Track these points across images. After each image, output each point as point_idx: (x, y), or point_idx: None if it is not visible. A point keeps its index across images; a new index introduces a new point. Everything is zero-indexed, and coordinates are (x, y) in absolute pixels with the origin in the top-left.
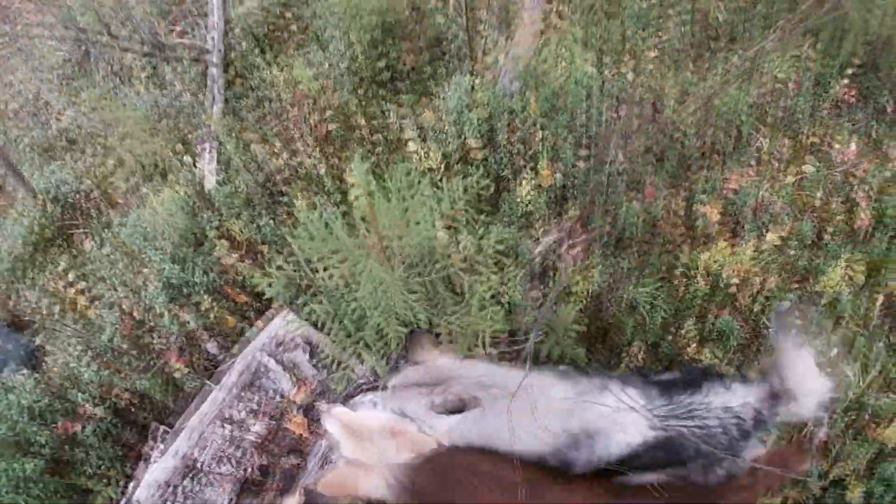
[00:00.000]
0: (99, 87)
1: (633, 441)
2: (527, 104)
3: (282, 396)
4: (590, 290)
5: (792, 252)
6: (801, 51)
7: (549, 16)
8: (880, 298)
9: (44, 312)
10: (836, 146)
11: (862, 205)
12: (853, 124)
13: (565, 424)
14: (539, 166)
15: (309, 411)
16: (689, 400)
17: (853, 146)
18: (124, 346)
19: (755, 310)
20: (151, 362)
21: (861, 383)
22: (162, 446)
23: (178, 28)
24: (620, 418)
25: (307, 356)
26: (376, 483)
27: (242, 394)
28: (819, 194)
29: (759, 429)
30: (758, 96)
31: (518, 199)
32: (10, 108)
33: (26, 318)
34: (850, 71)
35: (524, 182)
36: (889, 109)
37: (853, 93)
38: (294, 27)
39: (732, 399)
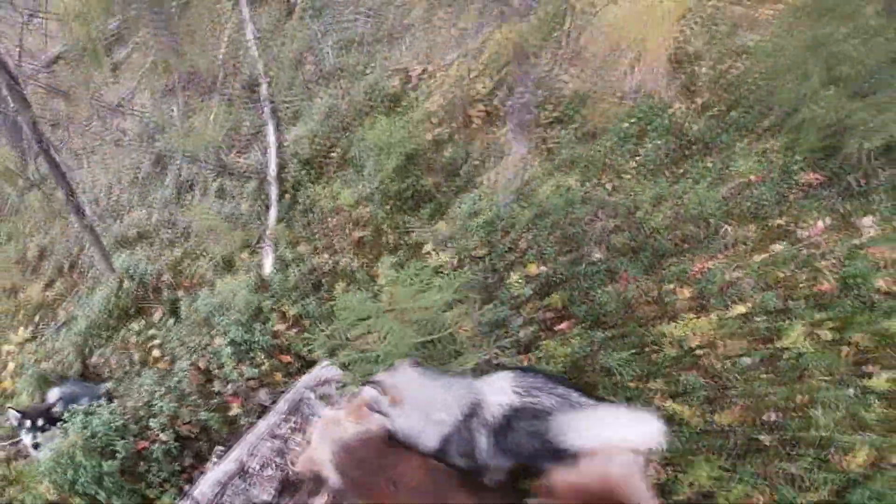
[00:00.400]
0: (168, 191)
1: (503, 401)
2: (517, 214)
3: (318, 418)
4: (568, 355)
5: (757, 319)
6: (766, 146)
7: (539, 144)
8: (845, 351)
9: (113, 365)
10: (804, 225)
11: (826, 273)
12: (820, 203)
13: (463, 401)
14: (526, 262)
15: None
16: (563, 389)
17: (820, 223)
18: (192, 388)
19: (719, 368)
20: (213, 402)
21: (829, 424)
22: (217, 460)
23: (236, 149)
24: (496, 384)
25: (339, 393)
26: (324, 457)
27: (287, 417)
28: (785, 269)
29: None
30: (726, 191)
31: (510, 287)
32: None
33: (96, 371)
34: (812, 158)
35: (514, 274)
36: (854, 185)
37: (818, 176)
38: (335, 154)
39: (624, 423)
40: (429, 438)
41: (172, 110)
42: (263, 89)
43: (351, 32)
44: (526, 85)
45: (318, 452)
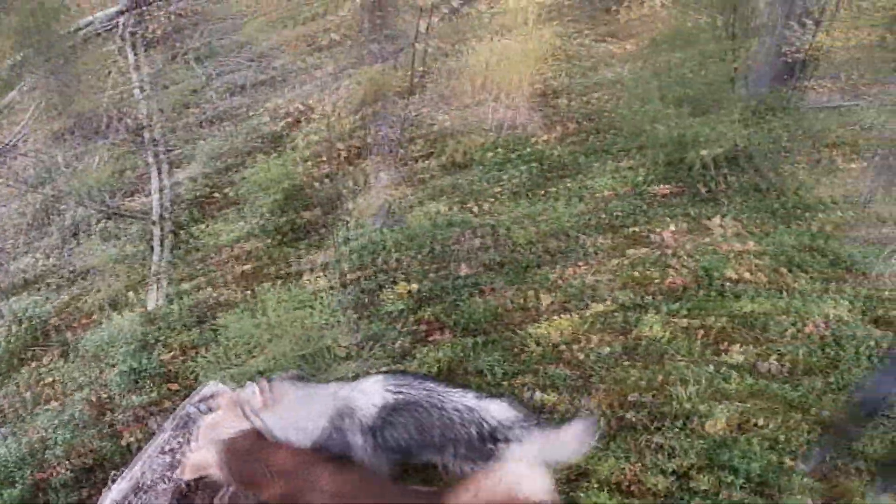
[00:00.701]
0: (54, 236)
1: (376, 401)
2: (386, 238)
3: (199, 426)
4: (440, 360)
5: (616, 315)
6: (619, 165)
7: (410, 175)
8: (700, 333)
9: (6, 409)
10: (657, 231)
11: (678, 269)
12: (672, 210)
13: (331, 407)
14: (398, 281)
15: None
16: (432, 384)
17: (672, 228)
18: (88, 419)
19: (582, 359)
20: (106, 431)
21: (688, 397)
22: (113, 484)
23: (123, 192)
24: (364, 388)
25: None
26: (210, 459)
27: (176, 433)
28: (640, 269)
29: (500, 439)
30: (584, 207)
31: (383, 305)
32: None
33: None
34: (662, 171)
35: (386, 292)
36: (703, 192)
37: (668, 187)
38: (218, 194)
39: (483, 406)
40: (299, 444)
41: (58, 155)
42: (149, 133)
43: (236, 77)
44: (386, 121)
45: (204, 456)
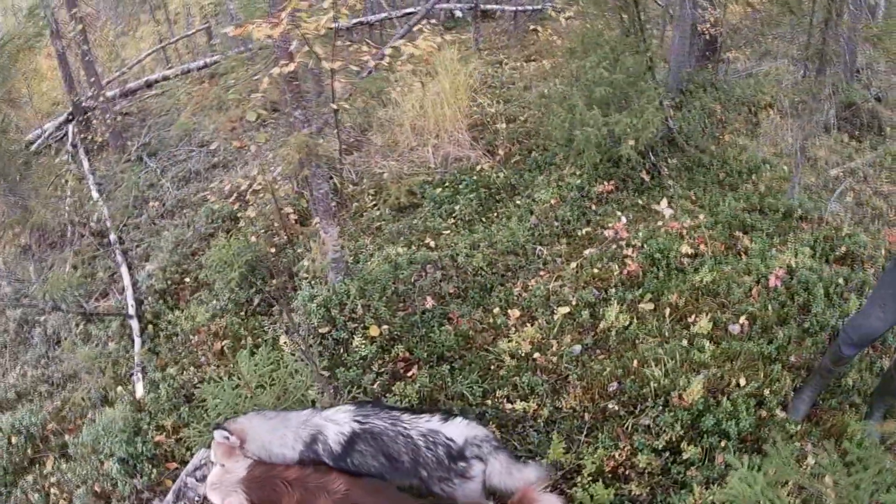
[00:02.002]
0: (37, 348)
1: (344, 430)
2: (348, 288)
3: (199, 497)
4: (417, 392)
5: (582, 314)
6: (560, 174)
7: (367, 225)
8: (666, 312)
9: None
10: (608, 227)
11: (633, 257)
12: (618, 205)
13: (302, 433)
14: (367, 325)
15: None
16: (396, 413)
17: (622, 221)
18: None
19: (556, 362)
20: None
21: (665, 373)
22: None
23: (96, 295)
24: (335, 418)
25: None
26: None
27: (175, 502)
28: (597, 266)
29: (469, 457)
30: (534, 220)
31: (356, 351)
32: None
33: None
34: (600, 171)
35: (356, 338)
36: (647, 179)
37: (611, 183)
38: (187, 279)
39: (445, 428)
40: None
41: (29, 269)
42: (112, 234)
43: (188, 165)
44: (320, 179)
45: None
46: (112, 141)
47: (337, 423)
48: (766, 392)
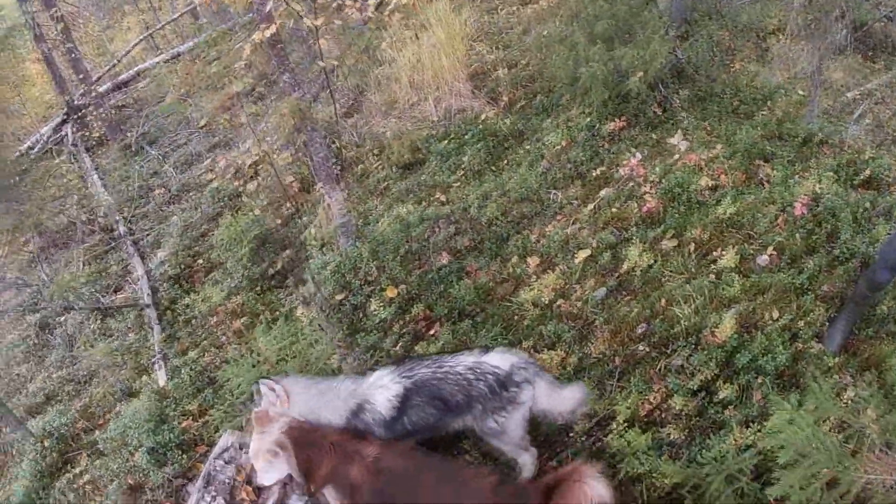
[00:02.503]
0: (59, 349)
1: (394, 393)
2: (360, 251)
3: (230, 479)
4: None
5: (603, 256)
6: (568, 115)
7: (374, 186)
8: (690, 248)
9: None
10: (623, 165)
11: (651, 194)
12: (631, 142)
13: (348, 404)
14: (384, 287)
15: (252, 482)
16: (437, 357)
17: (636, 158)
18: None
19: (580, 307)
20: None
21: (695, 311)
22: None
23: (111, 289)
24: (381, 383)
25: (241, 450)
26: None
27: (206, 488)
28: (615, 207)
29: (518, 381)
30: (546, 164)
31: (374, 315)
32: None
33: None
34: (609, 109)
35: (373, 302)
36: (659, 113)
37: (622, 120)
38: (199, 262)
39: (488, 359)
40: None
41: (41, 274)
42: (120, 227)
43: (188, 149)
44: (318, 142)
45: (273, 439)
46: (110, 134)
47: (384, 387)
48: (800, 324)
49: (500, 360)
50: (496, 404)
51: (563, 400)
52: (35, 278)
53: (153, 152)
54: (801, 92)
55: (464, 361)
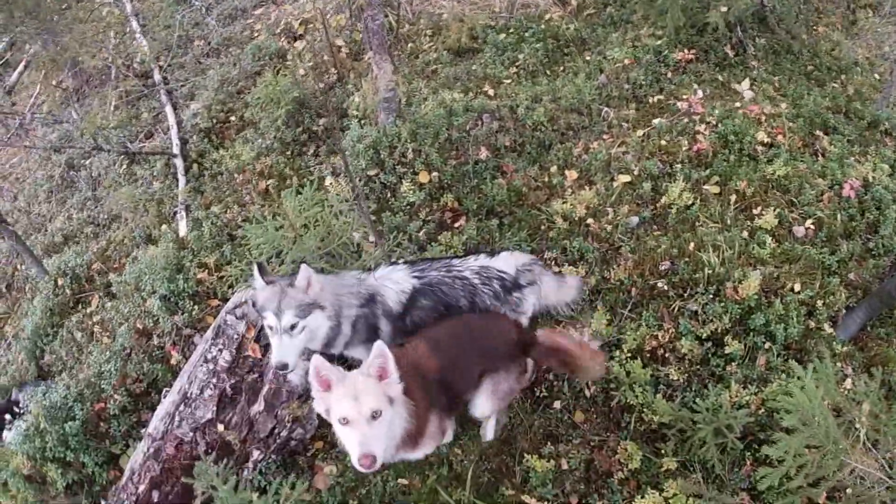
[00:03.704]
0: (83, 191)
1: (404, 288)
2: (399, 130)
3: (239, 335)
4: (464, 243)
5: (644, 185)
6: (639, 33)
7: (422, 67)
8: (731, 199)
9: (64, 357)
10: (683, 98)
11: (704, 134)
12: (697, 77)
13: (360, 290)
14: (417, 171)
15: (260, 339)
16: (446, 260)
17: (698, 94)
18: (136, 347)
19: (610, 230)
20: (155, 355)
21: (721, 262)
22: (164, 398)
23: (142, 135)
24: (392, 277)
25: (253, 307)
26: None
27: (215, 341)
28: (666, 138)
29: (523, 285)
30: (604, 78)
31: (404, 196)
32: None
33: (50, 371)
34: (683, 36)
35: (405, 183)
36: (731, 55)
37: (691, 53)
38: (233, 118)
39: (495, 262)
40: (345, 325)
41: (73, 112)
42: (156, 74)
43: (233, 3)
44: (376, 9)
45: None
46: None
47: (395, 282)
48: (819, 303)
49: (506, 264)
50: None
51: (568, 290)
52: (66, 116)
53: (197, 3)
54: (877, 75)
55: (472, 266)
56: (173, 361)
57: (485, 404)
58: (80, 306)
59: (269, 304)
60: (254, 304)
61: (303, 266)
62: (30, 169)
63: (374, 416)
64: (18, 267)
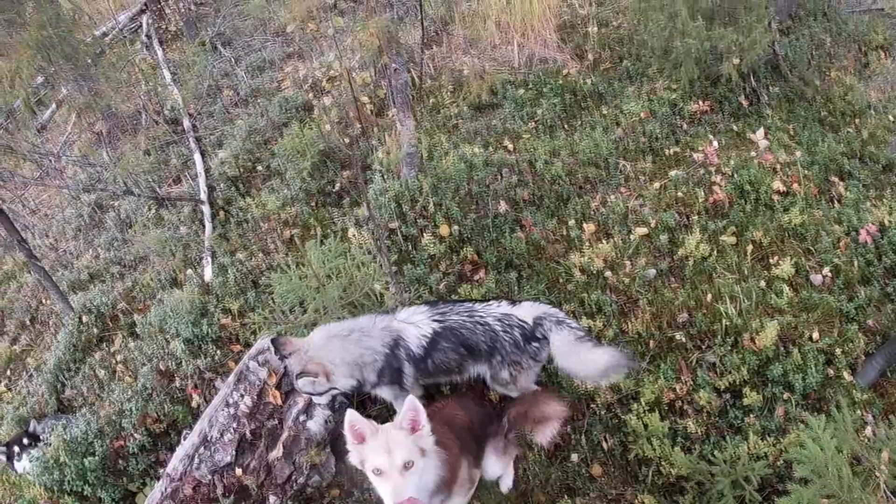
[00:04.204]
0: (111, 231)
1: (425, 332)
2: (421, 184)
3: (260, 381)
4: (486, 296)
5: (660, 237)
6: (654, 86)
7: (444, 121)
8: (748, 249)
9: (85, 392)
10: (699, 150)
11: (720, 185)
12: (712, 128)
13: (385, 339)
14: (437, 224)
15: (281, 386)
16: (469, 304)
17: (714, 144)
18: (158, 388)
19: (627, 283)
20: (176, 397)
21: (739, 313)
22: (184, 440)
23: (169, 180)
24: (413, 320)
25: (276, 356)
26: None
27: (237, 386)
28: (682, 190)
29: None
30: (620, 132)
31: (424, 248)
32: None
33: (71, 405)
34: (697, 88)
35: (426, 236)
36: (745, 104)
37: (706, 104)
38: (259, 168)
39: (517, 311)
40: (369, 374)
41: (103, 156)
42: (186, 122)
43: (261, 55)
44: (400, 67)
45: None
46: (186, 30)
47: (416, 325)
48: (838, 351)
49: (526, 313)
50: (515, 358)
51: (587, 362)
52: (97, 158)
53: (226, 53)
54: (891, 117)
55: (494, 312)
56: (194, 404)
57: (493, 466)
58: (103, 344)
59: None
60: (285, 370)
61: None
62: (59, 206)
63: (407, 466)
64: (43, 301)
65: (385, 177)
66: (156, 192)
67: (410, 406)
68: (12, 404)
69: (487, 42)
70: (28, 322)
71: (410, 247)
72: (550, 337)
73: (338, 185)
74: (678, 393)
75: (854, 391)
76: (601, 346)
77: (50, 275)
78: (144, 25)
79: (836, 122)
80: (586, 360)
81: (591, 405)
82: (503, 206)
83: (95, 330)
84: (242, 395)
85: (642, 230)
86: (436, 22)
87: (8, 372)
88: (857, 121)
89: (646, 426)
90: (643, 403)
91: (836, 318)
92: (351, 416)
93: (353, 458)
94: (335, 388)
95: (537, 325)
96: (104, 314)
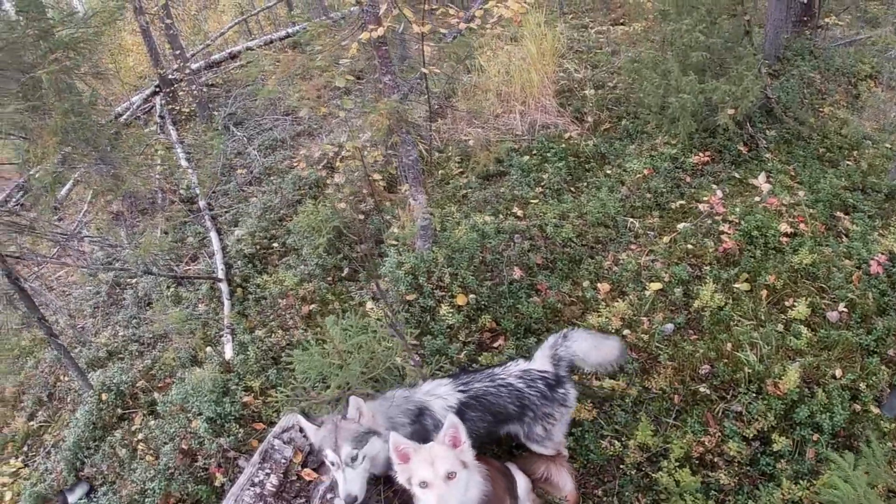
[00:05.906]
0: (129, 309)
1: (451, 403)
2: (436, 256)
3: (286, 459)
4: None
5: (675, 291)
6: (654, 143)
7: (453, 192)
8: (763, 294)
9: (105, 471)
10: (704, 200)
11: (729, 233)
12: (714, 178)
13: (408, 408)
14: (454, 294)
15: (307, 465)
16: (488, 371)
17: (718, 193)
18: (181, 467)
19: (646, 340)
20: (199, 476)
21: (760, 359)
22: None
23: (186, 259)
24: (437, 392)
25: (301, 434)
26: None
27: (262, 465)
28: (692, 242)
29: (565, 382)
30: (626, 190)
31: (442, 319)
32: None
33: (90, 483)
34: (696, 141)
35: (443, 307)
36: (744, 151)
37: (705, 155)
38: (275, 245)
39: (533, 365)
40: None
41: (121, 235)
42: (201, 200)
43: (273, 135)
44: (409, 145)
45: None
46: (199, 111)
47: (441, 397)
48: (862, 385)
49: (542, 360)
50: (547, 410)
51: (608, 350)
52: (114, 238)
53: (238, 133)
54: (888, 145)
55: (513, 371)
56: (217, 483)
57: None
58: (123, 422)
59: (326, 443)
60: (311, 448)
61: (352, 398)
62: (76, 283)
63: (450, 476)
64: (61, 377)
65: (399, 250)
66: (174, 271)
67: (451, 423)
68: (30, 480)
69: (490, 112)
70: (45, 398)
71: (429, 318)
72: (573, 347)
73: (347, 270)
74: (707, 446)
75: (882, 423)
76: (607, 335)
77: (69, 351)
78: (157, 106)
79: (835, 157)
80: (605, 347)
81: (621, 466)
82: (517, 272)
83: (114, 408)
84: (268, 474)
85: (656, 285)
86: (439, 96)
87: (25, 448)
88: (854, 153)
89: (677, 483)
90: (672, 460)
91: (856, 353)
92: (395, 438)
93: (401, 477)
94: (375, 443)
95: (556, 364)
96: (124, 392)
